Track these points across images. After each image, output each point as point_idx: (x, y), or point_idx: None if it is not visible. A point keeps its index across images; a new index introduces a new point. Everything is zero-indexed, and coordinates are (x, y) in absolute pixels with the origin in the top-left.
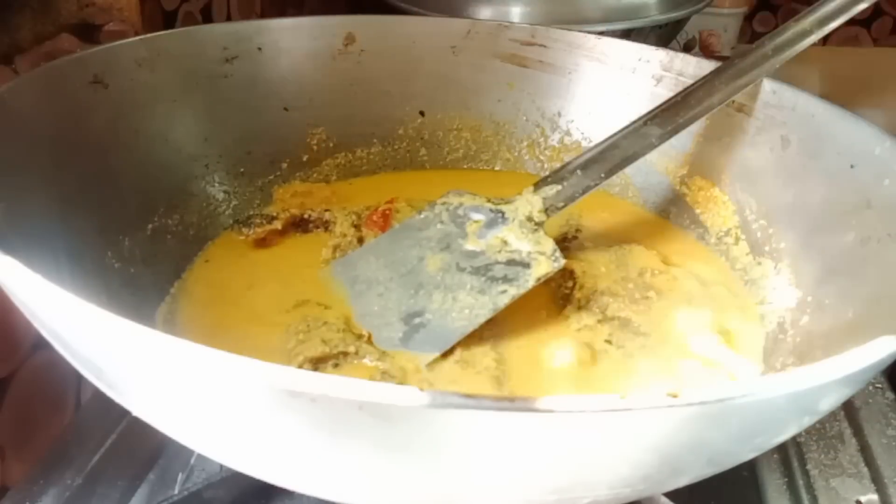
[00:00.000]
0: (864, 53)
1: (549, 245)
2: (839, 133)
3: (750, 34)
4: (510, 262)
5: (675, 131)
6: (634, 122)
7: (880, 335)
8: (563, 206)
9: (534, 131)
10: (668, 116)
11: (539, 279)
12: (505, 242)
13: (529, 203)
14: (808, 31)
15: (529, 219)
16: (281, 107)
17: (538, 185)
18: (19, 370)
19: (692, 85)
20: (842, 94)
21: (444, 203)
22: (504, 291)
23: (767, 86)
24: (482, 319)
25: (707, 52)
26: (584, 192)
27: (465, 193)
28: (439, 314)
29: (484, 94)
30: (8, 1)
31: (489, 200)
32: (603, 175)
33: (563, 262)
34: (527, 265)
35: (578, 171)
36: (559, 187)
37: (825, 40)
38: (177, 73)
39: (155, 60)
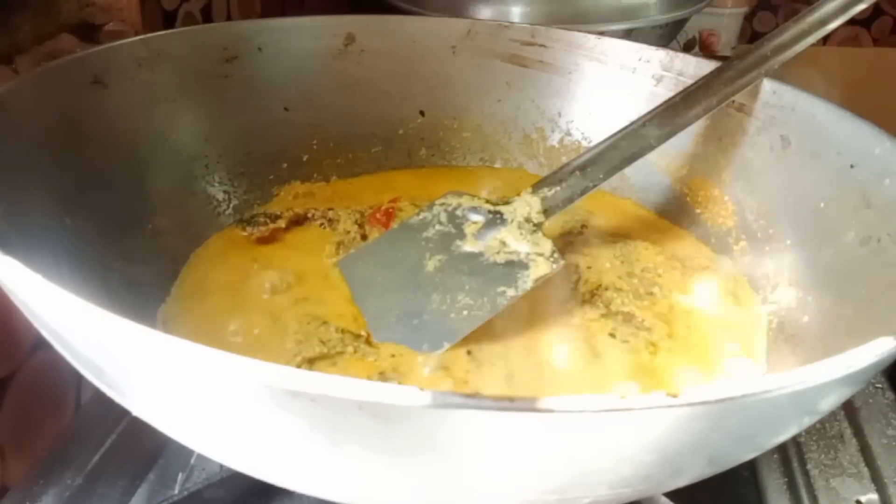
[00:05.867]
0: (864, 53)
1: (547, 246)
2: (839, 133)
3: (750, 34)
4: (508, 264)
5: (674, 132)
6: (633, 122)
7: (880, 335)
8: (562, 207)
9: (533, 131)
10: (666, 117)
11: (537, 280)
12: (503, 244)
13: (528, 204)
14: (807, 31)
15: (528, 220)
16: (281, 107)
17: (537, 186)
18: (19, 370)
19: (691, 85)
20: (842, 94)
21: (442, 204)
22: (503, 293)
23: (767, 86)
24: (481, 321)
25: (707, 52)
26: (582, 193)
27: (463, 194)
28: (437, 315)
29: (484, 94)
30: (8, 1)
31: (487, 201)
32: (601, 176)
33: (562, 263)
34: (525, 266)
35: (577, 172)
36: (557, 188)
37: (825, 40)
38: (177, 73)
39: (155, 60)
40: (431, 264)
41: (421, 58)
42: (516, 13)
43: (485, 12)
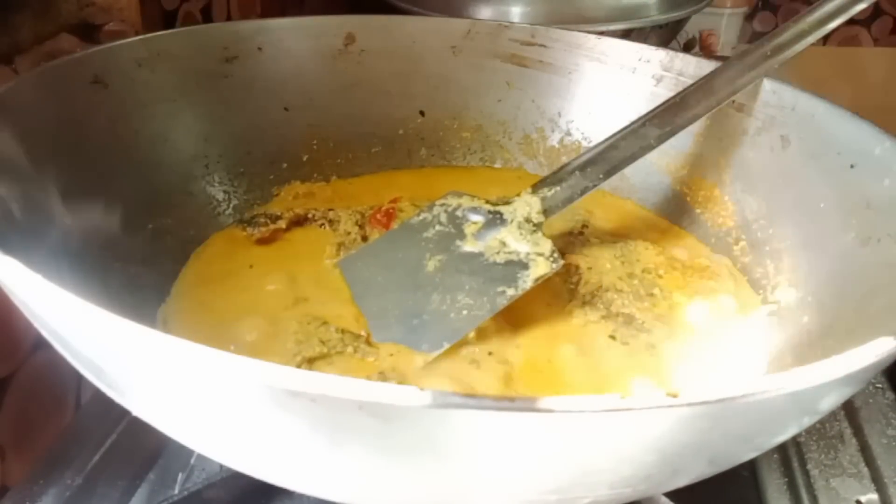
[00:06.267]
0: (864, 53)
1: (547, 246)
2: (839, 133)
3: (750, 34)
4: (508, 264)
5: (674, 132)
6: (633, 122)
7: (880, 335)
8: (562, 207)
9: (533, 131)
10: (666, 117)
11: (537, 280)
12: (503, 244)
13: (528, 204)
14: (807, 31)
15: (528, 220)
16: (281, 107)
17: (536, 187)
18: (19, 370)
19: (691, 85)
20: (842, 94)
21: (442, 204)
22: (502, 292)
23: (767, 86)
24: (480, 321)
25: (707, 52)
26: (582, 193)
27: (463, 195)
28: (437, 315)
29: (484, 94)
30: (8, 1)
31: (487, 202)
32: (601, 176)
33: (561, 262)
34: (525, 266)
35: (577, 172)
36: (557, 188)
37: (825, 40)
38: (177, 73)
39: (155, 60)
40: (431, 264)
41: (421, 58)
42: (516, 13)
43: (485, 12)
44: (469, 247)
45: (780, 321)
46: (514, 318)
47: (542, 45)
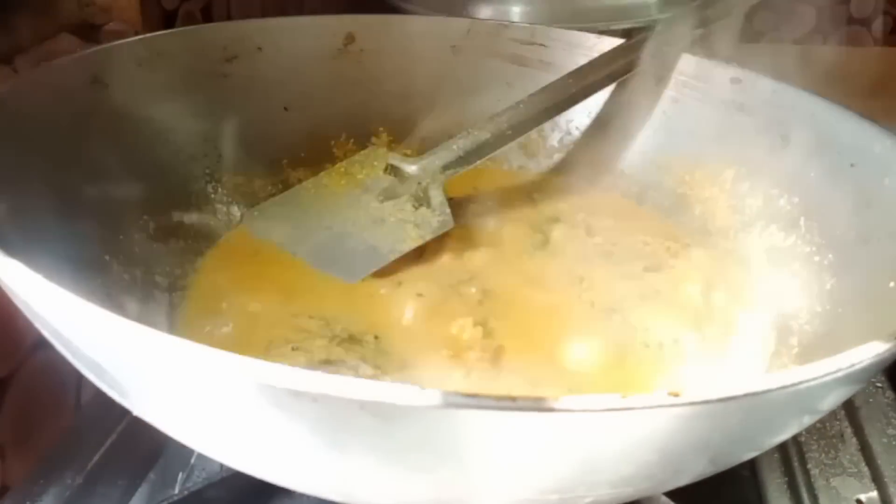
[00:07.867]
0: (864, 53)
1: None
2: (839, 132)
3: (750, 34)
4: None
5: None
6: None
7: (880, 335)
8: (458, 166)
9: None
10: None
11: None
12: (404, 207)
13: (427, 169)
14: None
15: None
16: (281, 106)
17: (435, 152)
18: (19, 370)
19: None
20: (842, 94)
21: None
22: (405, 240)
23: (767, 85)
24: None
25: (707, 52)
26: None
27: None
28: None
29: (484, 94)
30: (8, 1)
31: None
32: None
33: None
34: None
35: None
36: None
37: (825, 40)
38: (177, 73)
39: (155, 60)
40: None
41: (421, 58)
42: (516, 13)
43: (485, 12)
44: (375, 204)
45: (780, 321)
46: (513, 322)
47: (542, 45)
